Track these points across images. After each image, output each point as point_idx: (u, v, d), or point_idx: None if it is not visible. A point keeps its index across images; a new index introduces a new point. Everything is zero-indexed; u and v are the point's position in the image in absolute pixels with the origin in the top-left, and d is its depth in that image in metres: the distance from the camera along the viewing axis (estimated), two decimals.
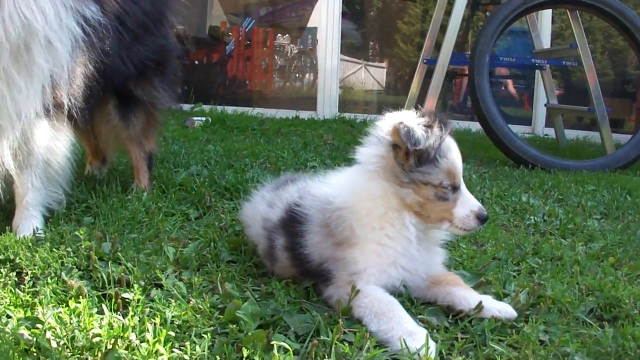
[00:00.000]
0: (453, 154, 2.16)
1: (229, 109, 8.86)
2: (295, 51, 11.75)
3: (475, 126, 7.35)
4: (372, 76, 11.68)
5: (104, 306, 2.00)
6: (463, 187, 2.20)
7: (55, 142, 2.95)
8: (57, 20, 2.66)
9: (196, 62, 11.89)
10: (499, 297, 2.31)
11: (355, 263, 2.16)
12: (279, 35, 11.62)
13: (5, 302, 2.10)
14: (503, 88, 10.77)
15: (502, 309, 2.13)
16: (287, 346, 1.74)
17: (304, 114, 8.98)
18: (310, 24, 11.40)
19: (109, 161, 4.30)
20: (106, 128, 3.65)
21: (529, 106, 10.08)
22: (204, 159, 4.77)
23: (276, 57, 11.75)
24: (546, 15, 8.78)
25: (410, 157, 2.12)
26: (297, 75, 12.00)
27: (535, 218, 3.63)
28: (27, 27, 2.56)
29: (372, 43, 12.41)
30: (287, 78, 12.02)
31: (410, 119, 2.11)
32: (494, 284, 2.43)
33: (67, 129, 3.02)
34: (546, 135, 8.69)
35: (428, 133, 2.09)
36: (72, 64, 2.86)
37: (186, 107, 8.18)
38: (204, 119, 7.51)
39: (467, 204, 2.18)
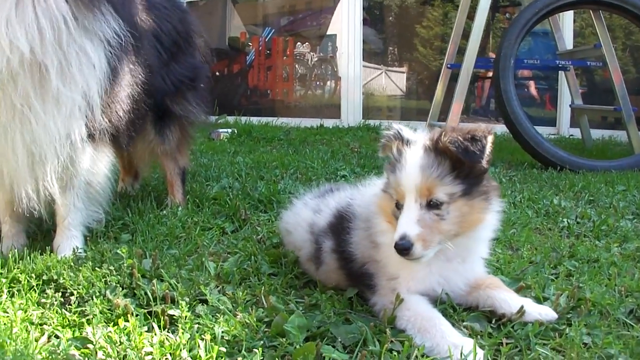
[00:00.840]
0: (402, 172, 2.07)
1: (254, 120, 8.93)
2: (316, 59, 11.79)
3: (500, 129, 7.32)
4: (392, 82, 11.68)
5: (154, 324, 2.05)
6: (406, 209, 2.05)
7: (96, 163, 3.00)
8: (59, 41, 2.59)
9: (217, 73, 11.99)
10: (539, 300, 2.32)
11: (389, 266, 2.20)
12: (299, 43, 11.67)
13: (53, 323, 2.15)
14: (526, 89, 10.73)
15: (543, 312, 2.15)
16: (337, 357, 1.77)
17: (329, 122, 9.06)
18: (329, 32, 11.43)
19: (141, 177, 4.38)
20: (142, 143, 3.72)
21: (551, 107, 10.04)
22: (234, 172, 4.84)
23: (297, 66, 11.80)
24: (568, 15, 8.76)
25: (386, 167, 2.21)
26: (318, 83, 12.02)
27: (568, 220, 3.63)
28: (16, 50, 2.51)
29: (391, 48, 12.41)
30: (309, 86, 12.06)
31: (393, 132, 2.18)
32: (533, 288, 2.44)
33: (108, 150, 3.08)
34: (572, 135, 8.66)
35: (384, 147, 2.20)
36: (112, 87, 2.87)
37: (211, 118, 8.27)
38: (229, 130, 7.60)
39: (397, 228, 2.04)
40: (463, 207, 2.05)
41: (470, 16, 6.51)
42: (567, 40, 8.01)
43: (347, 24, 9.73)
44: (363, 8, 9.86)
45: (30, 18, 2.50)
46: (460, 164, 2.03)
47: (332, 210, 2.53)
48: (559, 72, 8.07)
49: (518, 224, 3.50)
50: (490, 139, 2.04)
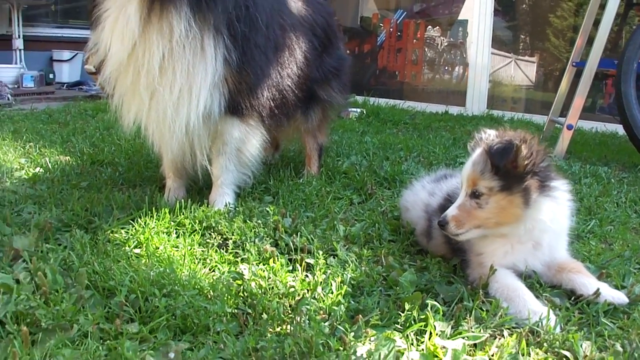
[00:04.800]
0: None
1: (381, 101, 9.28)
2: (445, 44, 11.90)
3: (622, 130, 7.36)
4: (522, 71, 11.63)
5: (298, 266, 2.62)
6: (461, 195, 2.56)
7: (247, 135, 3.54)
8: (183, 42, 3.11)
9: (347, 52, 12.32)
10: (617, 288, 2.60)
11: (475, 244, 2.64)
12: (430, 27, 11.84)
13: (214, 260, 2.74)
14: None
15: (616, 296, 2.46)
16: (438, 306, 2.26)
17: (453, 109, 9.27)
18: (461, 17, 11.52)
19: (280, 149, 4.97)
20: (289, 121, 4.20)
21: None
22: (362, 150, 5.33)
23: (426, 50, 11.97)
24: None
25: None
26: (447, 68, 12.10)
27: None
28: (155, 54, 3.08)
29: (522, 36, 12.36)
30: (437, 71, 12.17)
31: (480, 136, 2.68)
32: (614, 277, 2.75)
33: (260, 126, 3.60)
34: None
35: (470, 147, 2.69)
36: (250, 77, 3.37)
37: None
38: (358, 110, 8.02)
39: None
40: (501, 200, 2.47)
41: (601, 10, 6.50)
42: None
43: (477, 13, 9.84)
44: None
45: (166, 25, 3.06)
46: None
47: (443, 194, 2.97)
48: None
49: (616, 222, 3.72)
50: (522, 147, 2.42)
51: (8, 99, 8.41)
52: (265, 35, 3.39)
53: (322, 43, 4.07)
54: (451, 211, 2.53)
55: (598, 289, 2.46)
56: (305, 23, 3.91)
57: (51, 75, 10.83)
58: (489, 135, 2.59)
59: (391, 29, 11.98)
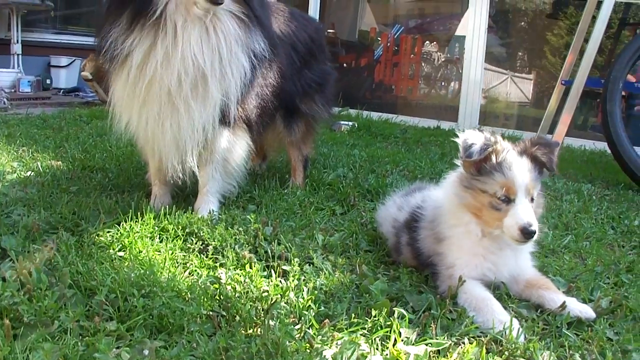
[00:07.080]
0: (512, 172, 2.50)
1: (374, 115, 9.38)
2: (442, 59, 11.97)
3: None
4: (518, 88, 11.67)
5: (272, 272, 2.71)
6: (520, 201, 2.49)
7: (233, 145, 3.67)
8: (228, 57, 3.31)
9: (344, 65, 12.46)
10: (584, 301, 2.69)
11: (447, 256, 2.71)
12: (427, 42, 11.91)
13: (194, 264, 2.84)
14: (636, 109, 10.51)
15: (584, 310, 2.55)
16: (404, 313, 2.35)
17: (445, 125, 9.34)
18: (458, 33, 11.54)
19: (268, 160, 5.08)
20: (272, 133, 4.38)
21: None
22: (349, 163, 5.42)
23: (423, 65, 12.01)
24: None
25: (471, 167, 2.63)
26: (442, 84, 12.15)
27: None
28: (196, 65, 3.24)
29: (520, 54, 12.41)
30: (432, 86, 12.21)
31: (474, 137, 2.58)
32: (582, 291, 2.84)
33: (246, 136, 3.73)
34: None
35: (483, 151, 2.52)
36: (247, 88, 3.52)
37: (334, 110, 8.73)
38: (350, 123, 8.09)
39: (515, 217, 2.46)
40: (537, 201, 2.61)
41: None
42: None
43: (472, 29, 9.88)
44: (489, 16, 9.93)
45: (213, 40, 3.23)
46: (542, 169, 2.61)
47: (409, 209, 3.05)
48: None
49: (592, 238, 3.80)
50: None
51: (4, 103, 8.52)
52: None
53: (302, 58, 4.20)
54: (534, 219, 2.51)
55: (564, 302, 2.55)
56: (285, 37, 4.02)
57: (48, 81, 10.90)
58: (527, 142, 2.68)
59: (388, 44, 12.05)
